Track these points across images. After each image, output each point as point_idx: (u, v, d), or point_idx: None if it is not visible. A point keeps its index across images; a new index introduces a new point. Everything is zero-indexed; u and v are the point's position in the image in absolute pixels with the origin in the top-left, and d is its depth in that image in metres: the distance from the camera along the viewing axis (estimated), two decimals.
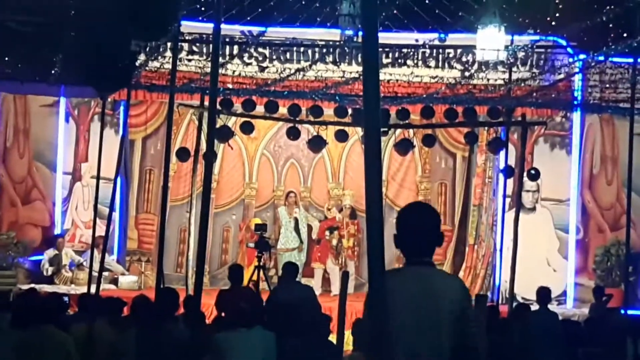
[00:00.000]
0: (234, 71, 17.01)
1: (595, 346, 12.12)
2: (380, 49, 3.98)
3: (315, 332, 9.63)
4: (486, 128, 18.79)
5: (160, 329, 8.45)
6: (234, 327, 9.04)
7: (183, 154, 17.31)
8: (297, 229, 19.71)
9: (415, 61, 17.37)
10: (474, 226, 20.13)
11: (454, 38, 15.74)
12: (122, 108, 19.16)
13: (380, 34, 3.85)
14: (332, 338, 11.34)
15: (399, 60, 16.46)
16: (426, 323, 4.89)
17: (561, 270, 19.17)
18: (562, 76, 17.04)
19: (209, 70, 12.53)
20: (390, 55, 16.62)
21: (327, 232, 19.54)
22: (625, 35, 13.65)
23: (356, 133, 19.09)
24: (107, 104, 15.74)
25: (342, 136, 17.42)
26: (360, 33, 13.37)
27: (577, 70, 16.95)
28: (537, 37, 16.06)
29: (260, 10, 15.68)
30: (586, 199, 19.46)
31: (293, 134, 17.06)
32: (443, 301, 4.94)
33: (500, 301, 17.72)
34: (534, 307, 13.33)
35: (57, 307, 10.14)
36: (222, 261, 20.37)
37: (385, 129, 16.73)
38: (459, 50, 17.63)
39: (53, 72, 15.39)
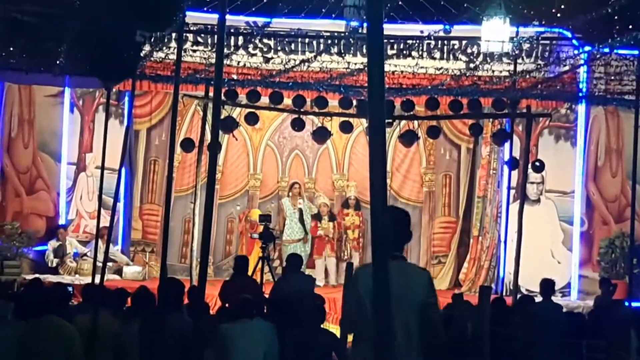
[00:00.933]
0: (238, 62, 16.99)
1: (599, 338, 12.11)
2: (385, 40, 3.97)
3: (316, 323, 9.64)
4: (491, 120, 18.79)
5: (164, 320, 8.45)
6: (237, 318, 9.05)
7: (187, 144, 17.33)
8: (301, 220, 19.71)
9: (420, 52, 17.34)
10: (478, 218, 20.13)
11: (459, 29, 15.69)
12: (126, 98, 19.19)
13: (385, 25, 3.84)
14: (336, 329, 11.37)
15: (404, 52, 16.43)
16: (401, 307, 5.72)
17: (565, 262, 19.17)
18: (567, 68, 17.00)
19: (213, 61, 12.53)
20: (395, 46, 16.59)
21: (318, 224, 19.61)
22: (630, 27, 13.61)
23: (361, 124, 19.08)
24: (111, 95, 15.72)
25: (346, 127, 17.42)
26: (365, 24, 13.35)
27: (582, 62, 16.91)
28: (542, 29, 16.01)
29: (265, 1, 15.66)
30: (591, 191, 19.45)
31: (298, 125, 17.06)
32: (414, 290, 6.01)
33: (504, 293, 17.72)
34: (538, 298, 13.32)
35: (61, 297, 10.14)
36: (226, 252, 20.39)
37: (390, 121, 16.72)
38: (464, 42, 17.60)
39: (58, 62, 15.39)
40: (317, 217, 19.67)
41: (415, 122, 17.64)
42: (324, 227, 19.50)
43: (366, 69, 3.86)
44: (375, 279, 3.74)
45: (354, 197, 19.81)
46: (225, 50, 14.03)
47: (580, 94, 17.98)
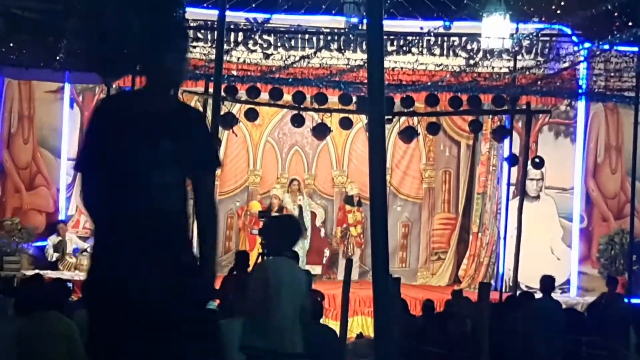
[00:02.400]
0: (238, 58, 16.98)
1: (598, 335, 12.13)
2: (384, 37, 3.97)
3: (314, 318, 9.62)
4: (490, 116, 18.76)
5: None
6: (236, 315, 9.02)
7: None
8: (300, 216, 19.71)
9: (420, 49, 17.34)
10: (477, 214, 20.14)
11: (458, 26, 15.70)
12: None
13: (385, 22, 3.85)
14: (335, 325, 11.36)
15: (404, 48, 16.44)
16: (291, 296, 6.89)
17: (565, 259, 19.18)
18: (567, 64, 17.02)
19: (213, 57, 12.52)
20: (395, 43, 16.60)
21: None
22: (630, 24, 13.65)
23: (360, 120, 19.07)
24: (111, 90, 15.74)
25: (346, 124, 17.41)
26: (365, 20, 13.35)
27: (582, 58, 16.93)
28: (542, 26, 16.01)
29: None
30: (590, 188, 19.46)
31: (297, 121, 17.06)
32: (300, 286, 7.08)
33: (503, 289, 17.73)
34: (538, 295, 13.34)
35: (60, 293, 10.15)
36: (226, 248, 20.36)
37: (390, 117, 16.71)
38: (463, 38, 17.60)
39: (58, 58, 15.40)
40: (267, 212, 19.71)
41: (415, 118, 17.63)
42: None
43: (366, 65, 3.86)
44: (375, 278, 3.76)
45: (357, 194, 19.78)
46: (225, 46, 14.03)
47: (580, 91, 17.98)
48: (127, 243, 4.50)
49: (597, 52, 15.96)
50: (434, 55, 17.69)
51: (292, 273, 7.10)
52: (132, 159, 4.51)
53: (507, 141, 17.38)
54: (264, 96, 16.96)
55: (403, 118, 17.56)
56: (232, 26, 16.25)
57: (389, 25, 15.47)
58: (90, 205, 4.71)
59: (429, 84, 16.97)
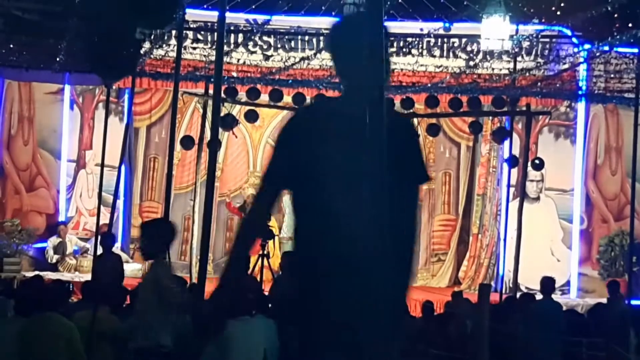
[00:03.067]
0: (238, 59, 16.98)
1: (599, 336, 12.12)
2: None
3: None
4: (490, 117, 18.78)
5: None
6: (236, 316, 9.04)
7: (187, 142, 17.33)
8: None
9: (420, 50, 17.35)
10: (478, 215, 20.13)
11: (458, 27, 15.70)
12: (126, 96, 19.15)
13: (385, 23, 3.85)
14: None
15: (404, 49, 16.44)
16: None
17: (565, 260, 19.17)
18: (566, 66, 17.00)
19: (213, 58, 12.52)
20: (395, 44, 16.59)
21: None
22: (630, 25, 13.63)
23: None
24: (111, 92, 15.72)
25: None
26: None
27: (581, 60, 16.91)
28: (542, 27, 16.01)
29: None
30: (590, 189, 19.45)
31: None
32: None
33: (504, 291, 17.71)
34: (538, 296, 13.33)
35: (60, 294, 10.15)
36: (226, 249, 20.36)
37: None
38: (463, 40, 17.60)
39: (58, 59, 15.40)
40: (242, 208, 19.75)
41: (415, 119, 17.63)
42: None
43: None
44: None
45: None
46: (225, 48, 14.04)
47: (580, 92, 17.97)
48: (336, 263, 4.10)
49: (597, 54, 15.94)
50: (434, 56, 17.69)
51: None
52: (336, 172, 4.13)
53: (507, 142, 17.37)
54: (264, 97, 16.96)
55: None
56: (232, 27, 16.25)
57: (389, 26, 15.46)
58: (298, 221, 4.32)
59: (429, 85, 16.97)
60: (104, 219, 14.19)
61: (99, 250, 12.00)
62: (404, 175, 4.19)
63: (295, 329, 4.29)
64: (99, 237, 13.57)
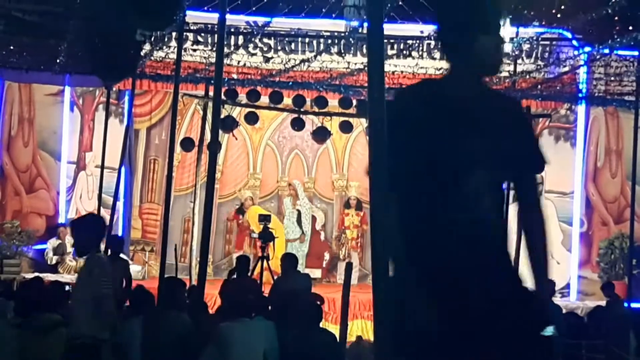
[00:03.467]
0: (238, 61, 16.98)
1: (598, 339, 12.12)
2: (385, 40, 3.95)
3: (313, 322, 9.64)
4: None
5: (163, 318, 8.47)
6: (236, 317, 9.06)
7: (187, 143, 17.35)
8: (299, 220, 19.75)
9: (420, 53, 17.33)
10: None
11: None
12: (126, 97, 19.18)
13: (385, 25, 3.84)
14: (335, 328, 11.35)
15: (404, 52, 16.43)
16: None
17: (565, 263, 19.16)
18: (567, 69, 17.00)
19: (213, 60, 12.52)
20: (395, 46, 16.59)
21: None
22: (630, 28, 13.61)
23: (361, 124, 19.08)
24: (111, 94, 15.74)
25: (346, 127, 17.42)
26: (365, 24, 13.35)
27: (582, 62, 16.90)
28: (542, 30, 16.01)
29: (265, 0, 15.66)
30: (590, 192, 19.46)
31: (297, 124, 17.07)
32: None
33: None
34: None
35: (60, 296, 10.15)
36: (226, 251, 20.38)
37: None
38: None
39: (58, 61, 15.40)
40: (240, 211, 19.81)
41: None
42: (245, 220, 19.67)
43: (366, 68, 3.84)
44: (374, 281, 3.74)
45: (355, 197, 19.83)
46: (225, 50, 14.04)
47: (580, 95, 17.97)
48: (440, 260, 3.72)
49: (597, 56, 15.93)
50: (434, 59, 17.66)
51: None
52: (442, 159, 3.72)
53: None
54: (264, 99, 16.98)
55: None
56: (232, 29, 16.24)
57: (390, 28, 15.48)
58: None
59: None
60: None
61: (106, 253, 12.00)
62: (519, 163, 3.85)
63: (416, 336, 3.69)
64: (106, 241, 13.64)
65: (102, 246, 11.69)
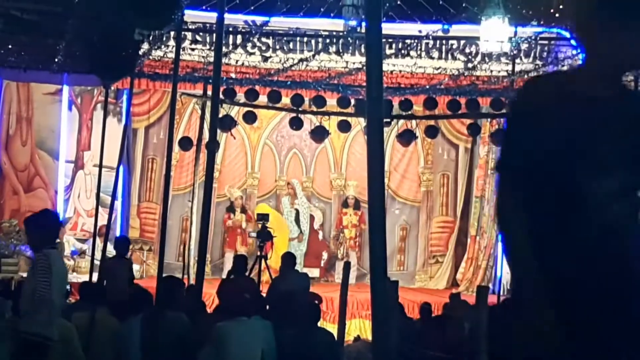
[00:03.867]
0: (237, 61, 16.98)
1: None
2: (383, 40, 3.96)
3: (311, 321, 9.64)
4: (489, 119, 18.78)
5: (162, 318, 8.46)
6: (233, 317, 9.05)
7: (185, 143, 17.34)
8: (297, 219, 19.76)
9: (419, 52, 17.34)
10: (476, 217, 20.15)
11: (457, 29, 15.69)
12: (125, 97, 19.17)
13: (383, 25, 3.85)
14: (333, 328, 11.35)
15: (402, 51, 16.44)
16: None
17: None
18: (565, 68, 17.00)
19: (212, 59, 12.52)
20: (394, 46, 16.59)
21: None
22: None
23: (359, 123, 19.08)
24: (110, 93, 15.73)
25: (344, 126, 17.42)
26: (363, 23, 13.35)
27: (580, 62, 16.90)
28: (540, 29, 16.02)
29: None
30: None
31: (296, 124, 17.06)
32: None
33: (501, 293, 17.72)
34: None
35: None
36: (224, 251, 20.38)
37: (388, 120, 16.72)
38: (462, 42, 17.59)
39: (56, 60, 15.40)
40: (230, 209, 19.82)
41: (414, 121, 17.63)
42: (236, 219, 19.67)
43: (364, 68, 3.85)
44: (372, 281, 3.76)
45: (353, 197, 19.85)
46: (224, 49, 14.04)
47: None
48: (576, 272, 3.33)
49: None
50: (432, 58, 17.68)
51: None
52: (576, 160, 3.35)
53: None
54: (263, 99, 16.97)
55: (401, 121, 17.56)
56: (230, 29, 16.24)
57: (388, 28, 15.48)
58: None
59: (428, 87, 16.99)
60: (102, 220, 14.21)
61: (105, 252, 11.99)
62: None
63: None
64: (114, 241, 13.64)
65: (91, 245, 11.69)
